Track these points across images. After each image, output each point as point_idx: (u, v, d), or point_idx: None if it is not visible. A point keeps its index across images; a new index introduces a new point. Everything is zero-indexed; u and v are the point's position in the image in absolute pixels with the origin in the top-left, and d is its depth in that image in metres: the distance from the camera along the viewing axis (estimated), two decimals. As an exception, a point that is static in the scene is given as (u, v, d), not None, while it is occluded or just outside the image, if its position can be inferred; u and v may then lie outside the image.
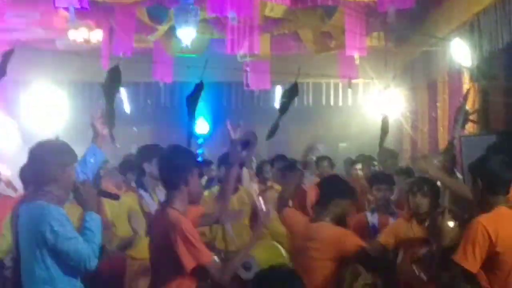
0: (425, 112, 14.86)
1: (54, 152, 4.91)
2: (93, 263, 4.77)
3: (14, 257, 4.97)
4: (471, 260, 4.91)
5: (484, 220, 5.01)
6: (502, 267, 4.95)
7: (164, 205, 5.18)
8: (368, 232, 7.57)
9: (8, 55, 7.23)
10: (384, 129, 7.12)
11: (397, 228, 6.63)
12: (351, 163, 12.12)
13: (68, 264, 4.75)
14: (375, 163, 10.85)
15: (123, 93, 16.75)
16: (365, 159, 11.55)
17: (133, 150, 13.50)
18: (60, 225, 4.69)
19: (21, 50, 7.58)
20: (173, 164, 5.16)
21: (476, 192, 5.27)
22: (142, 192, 7.11)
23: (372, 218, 7.77)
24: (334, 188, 6.12)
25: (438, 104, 13.59)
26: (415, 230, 6.35)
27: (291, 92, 7.69)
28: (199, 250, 4.92)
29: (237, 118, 20.00)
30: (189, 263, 4.88)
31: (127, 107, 17.51)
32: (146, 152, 7.30)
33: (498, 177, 5.11)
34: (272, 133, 7.54)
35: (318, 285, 5.71)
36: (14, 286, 4.96)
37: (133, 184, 7.74)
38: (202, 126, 19.06)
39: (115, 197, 5.61)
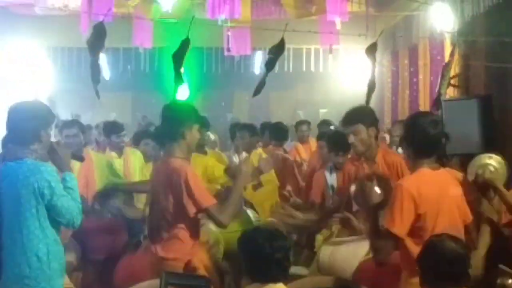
0: (406, 76, 14.88)
1: (38, 112, 4.94)
2: (78, 220, 4.86)
3: None
4: (398, 225, 4.85)
5: (406, 183, 5.01)
6: (424, 229, 4.90)
7: (166, 156, 5.59)
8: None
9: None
10: (370, 87, 7.12)
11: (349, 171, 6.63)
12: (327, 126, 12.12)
13: (58, 221, 4.81)
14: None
15: (102, 58, 16.64)
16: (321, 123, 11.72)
17: (113, 117, 13.51)
18: (56, 182, 4.77)
19: (0, 14, 7.51)
20: (171, 118, 5.55)
21: (409, 161, 5.26)
22: None
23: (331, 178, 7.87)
24: None
25: (419, 68, 13.61)
26: (365, 167, 6.35)
27: (278, 49, 7.67)
28: (202, 195, 5.31)
29: (217, 83, 20.03)
30: (191, 209, 5.29)
31: (106, 73, 17.40)
32: None
33: (425, 137, 5.03)
34: (258, 90, 7.55)
35: None
36: None
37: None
38: (182, 92, 18.98)
39: (81, 158, 5.77)
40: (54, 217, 4.79)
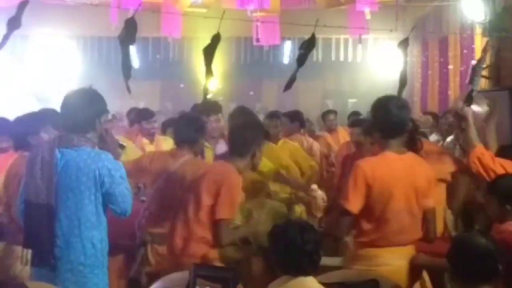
0: (436, 67, 14.78)
1: (93, 100, 4.95)
2: (130, 209, 4.91)
3: (35, 202, 4.84)
4: (352, 202, 5.06)
5: (363, 162, 5.18)
6: (375, 209, 5.08)
7: (225, 158, 5.78)
8: None
9: (22, 6, 7.18)
10: (402, 81, 7.06)
11: None
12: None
13: (112, 209, 4.84)
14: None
15: (131, 48, 16.68)
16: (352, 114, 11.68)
17: (142, 105, 13.55)
18: (115, 170, 4.79)
19: (29, 4, 7.51)
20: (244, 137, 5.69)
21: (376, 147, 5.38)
22: None
23: None
24: None
25: (449, 59, 13.51)
26: None
27: (309, 44, 7.63)
28: (233, 207, 5.43)
29: (245, 73, 20.05)
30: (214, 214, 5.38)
31: (135, 62, 17.46)
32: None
33: (389, 119, 5.15)
34: (289, 85, 7.52)
35: None
36: (37, 232, 4.81)
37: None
38: (210, 81, 18.99)
39: (121, 146, 5.76)
40: (109, 205, 4.81)
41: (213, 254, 5.48)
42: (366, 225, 5.14)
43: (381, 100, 5.31)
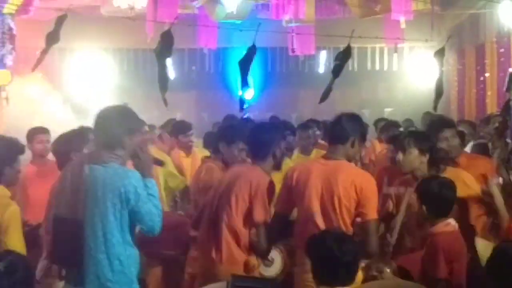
0: (473, 75, 14.67)
1: (123, 119, 4.96)
2: (158, 227, 4.89)
3: (64, 218, 4.89)
4: (280, 203, 5.49)
5: (295, 166, 5.77)
6: (298, 211, 5.39)
7: (252, 163, 5.83)
8: None
9: (61, 20, 7.25)
10: (438, 91, 7.04)
11: None
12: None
13: (141, 227, 4.87)
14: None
15: (167, 59, 16.78)
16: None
17: (178, 117, 13.62)
18: (142, 188, 4.78)
19: (66, 18, 7.62)
20: (262, 140, 5.80)
21: None
22: None
23: None
24: None
25: (486, 67, 13.41)
26: None
27: (345, 55, 7.65)
28: (267, 212, 5.54)
29: (281, 82, 20.04)
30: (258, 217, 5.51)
31: (171, 73, 17.54)
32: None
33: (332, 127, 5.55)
34: (325, 95, 7.56)
35: None
36: (65, 247, 4.87)
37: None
38: (246, 92, 19.05)
39: (160, 163, 5.73)
40: (136, 223, 4.82)
41: (253, 261, 5.51)
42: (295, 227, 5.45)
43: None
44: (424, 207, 5.29)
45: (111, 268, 4.75)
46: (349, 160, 5.45)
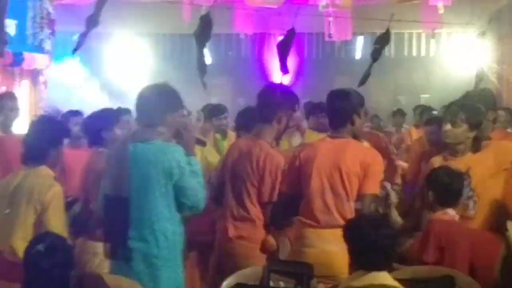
0: (512, 62, 14.54)
1: (165, 96, 4.99)
2: (202, 204, 4.93)
3: (113, 196, 4.94)
4: (286, 183, 5.46)
5: (302, 146, 5.82)
6: (306, 189, 5.33)
7: (255, 138, 5.67)
8: None
9: (101, 4, 7.29)
10: (479, 76, 7.00)
11: None
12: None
13: (183, 203, 4.86)
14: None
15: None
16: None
17: (214, 101, 13.64)
18: (185, 163, 4.82)
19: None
20: (270, 100, 5.69)
21: None
22: None
23: None
24: None
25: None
26: None
27: (383, 39, 7.61)
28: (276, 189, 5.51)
29: (317, 68, 20.00)
30: (267, 196, 5.50)
31: (208, 59, 17.57)
32: None
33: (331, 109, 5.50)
34: (364, 80, 7.53)
35: None
36: (114, 225, 4.93)
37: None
38: (283, 77, 19.03)
39: (203, 143, 5.76)
40: (179, 198, 4.83)
41: (271, 240, 5.53)
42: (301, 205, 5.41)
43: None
44: (431, 194, 5.32)
45: (157, 244, 4.78)
46: (356, 136, 5.45)
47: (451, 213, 5.27)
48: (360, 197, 5.22)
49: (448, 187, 5.28)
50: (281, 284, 4.91)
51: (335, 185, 5.24)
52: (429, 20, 14.15)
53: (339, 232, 4.68)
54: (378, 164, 5.35)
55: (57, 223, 5.12)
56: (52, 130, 5.53)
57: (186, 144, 4.97)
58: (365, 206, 5.21)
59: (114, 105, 8.68)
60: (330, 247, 5.15)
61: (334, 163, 5.25)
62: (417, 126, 11.50)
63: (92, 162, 6.08)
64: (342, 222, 5.04)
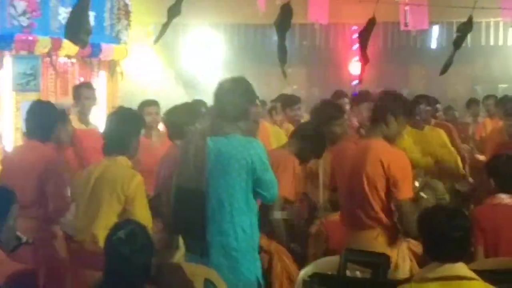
0: None
1: (245, 89, 5.06)
2: (276, 196, 5.11)
3: (187, 188, 5.00)
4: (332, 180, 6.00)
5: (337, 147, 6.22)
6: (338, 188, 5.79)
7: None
8: None
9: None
10: None
11: None
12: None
13: (263, 194, 4.95)
14: None
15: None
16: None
17: (289, 91, 13.65)
18: (266, 157, 4.91)
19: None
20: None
21: None
22: None
23: None
24: None
25: None
26: None
27: (466, 26, 7.52)
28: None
29: (392, 58, 19.76)
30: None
31: (283, 49, 17.56)
32: None
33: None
34: (446, 68, 7.48)
35: None
36: (189, 218, 5.01)
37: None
38: (356, 67, 18.96)
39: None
40: (259, 191, 4.90)
41: None
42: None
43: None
44: (492, 180, 5.44)
45: (235, 237, 4.86)
46: (389, 139, 5.38)
47: (502, 197, 5.28)
48: (396, 204, 5.28)
49: (509, 174, 5.32)
50: (358, 273, 4.92)
51: (358, 188, 5.32)
52: (509, 6, 13.85)
53: (371, 232, 5.10)
54: (402, 164, 5.35)
55: (143, 214, 5.18)
56: (132, 121, 5.59)
57: (253, 135, 5.09)
58: (404, 213, 5.24)
59: (188, 96, 8.77)
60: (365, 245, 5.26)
61: (356, 165, 5.36)
62: (491, 116, 11.33)
63: (168, 154, 6.15)
64: (373, 223, 5.24)
